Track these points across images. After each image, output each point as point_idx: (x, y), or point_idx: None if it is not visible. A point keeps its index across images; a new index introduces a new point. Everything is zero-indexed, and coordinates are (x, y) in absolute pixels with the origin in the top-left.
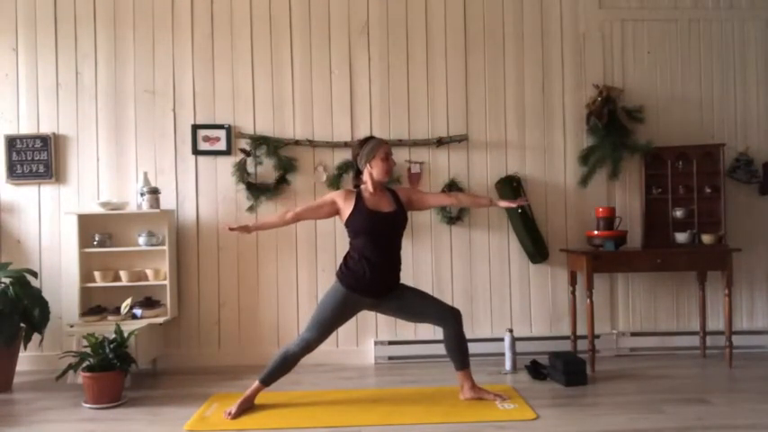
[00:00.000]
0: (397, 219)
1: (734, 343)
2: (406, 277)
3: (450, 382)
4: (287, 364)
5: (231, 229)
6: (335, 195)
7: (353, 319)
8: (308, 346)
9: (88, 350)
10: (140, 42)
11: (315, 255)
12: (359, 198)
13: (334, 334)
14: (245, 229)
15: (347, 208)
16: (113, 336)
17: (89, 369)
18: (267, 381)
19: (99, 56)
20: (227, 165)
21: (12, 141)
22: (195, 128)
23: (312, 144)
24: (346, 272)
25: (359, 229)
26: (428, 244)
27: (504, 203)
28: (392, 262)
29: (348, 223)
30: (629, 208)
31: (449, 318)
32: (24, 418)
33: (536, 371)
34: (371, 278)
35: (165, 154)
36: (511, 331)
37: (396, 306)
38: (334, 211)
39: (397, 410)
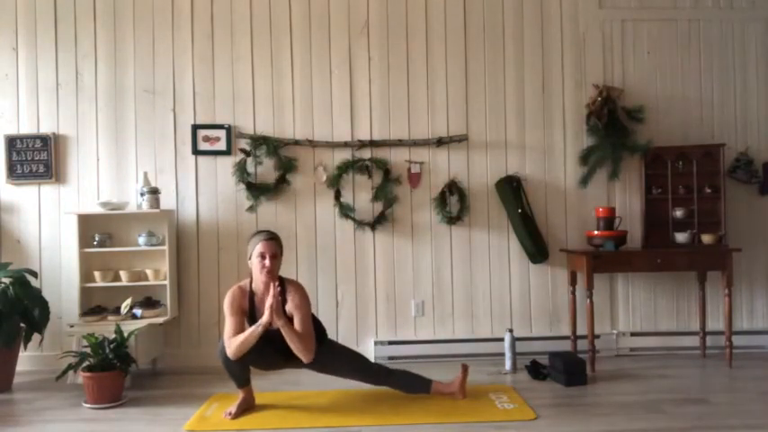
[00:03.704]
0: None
1: (734, 343)
2: (407, 277)
3: None
4: (230, 365)
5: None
6: (228, 306)
7: (353, 318)
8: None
9: (88, 350)
10: (140, 42)
11: (315, 255)
12: (251, 301)
13: (332, 333)
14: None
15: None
16: (113, 336)
17: (89, 369)
18: (239, 384)
19: (99, 56)
20: (227, 165)
21: (12, 141)
22: (195, 128)
23: (312, 144)
24: None
25: None
26: (428, 244)
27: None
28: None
29: None
30: (629, 208)
31: (374, 380)
32: (24, 418)
33: (536, 371)
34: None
35: (165, 154)
36: (511, 331)
37: (320, 368)
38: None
39: (397, 410)
